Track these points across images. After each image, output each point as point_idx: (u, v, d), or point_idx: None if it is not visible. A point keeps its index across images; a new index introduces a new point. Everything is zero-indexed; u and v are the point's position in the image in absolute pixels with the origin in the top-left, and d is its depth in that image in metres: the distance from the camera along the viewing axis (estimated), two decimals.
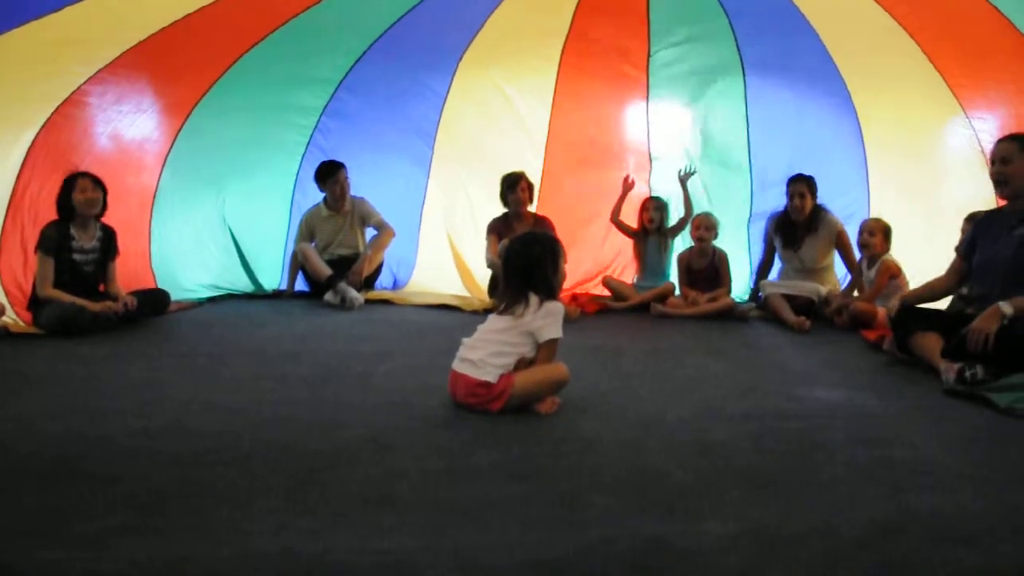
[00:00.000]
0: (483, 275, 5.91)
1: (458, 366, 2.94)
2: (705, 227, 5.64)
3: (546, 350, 2.93)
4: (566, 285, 5.40)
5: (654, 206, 5.88)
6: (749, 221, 6.09)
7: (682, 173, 5.85)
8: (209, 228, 5.87)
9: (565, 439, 2.64)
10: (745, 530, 1.91)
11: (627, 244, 6.07)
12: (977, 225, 3.98)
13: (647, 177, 6.26)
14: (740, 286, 5.97)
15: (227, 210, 5.94)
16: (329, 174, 5.96)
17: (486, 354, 2.88)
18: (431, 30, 5.69)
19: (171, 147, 5.49)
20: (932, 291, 4.11)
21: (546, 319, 2.89)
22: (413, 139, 6.14)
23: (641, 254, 5.94)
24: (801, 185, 5.43)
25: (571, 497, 2.11)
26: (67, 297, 4.42)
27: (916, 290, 4.22)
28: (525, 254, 2.98)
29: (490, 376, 2.83)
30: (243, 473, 2.24)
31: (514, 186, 5.66)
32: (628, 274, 6.11)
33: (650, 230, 5.87)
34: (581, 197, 6.21)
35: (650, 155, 6.25)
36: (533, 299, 2.92)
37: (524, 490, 2.16)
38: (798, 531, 1.91)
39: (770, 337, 4.74)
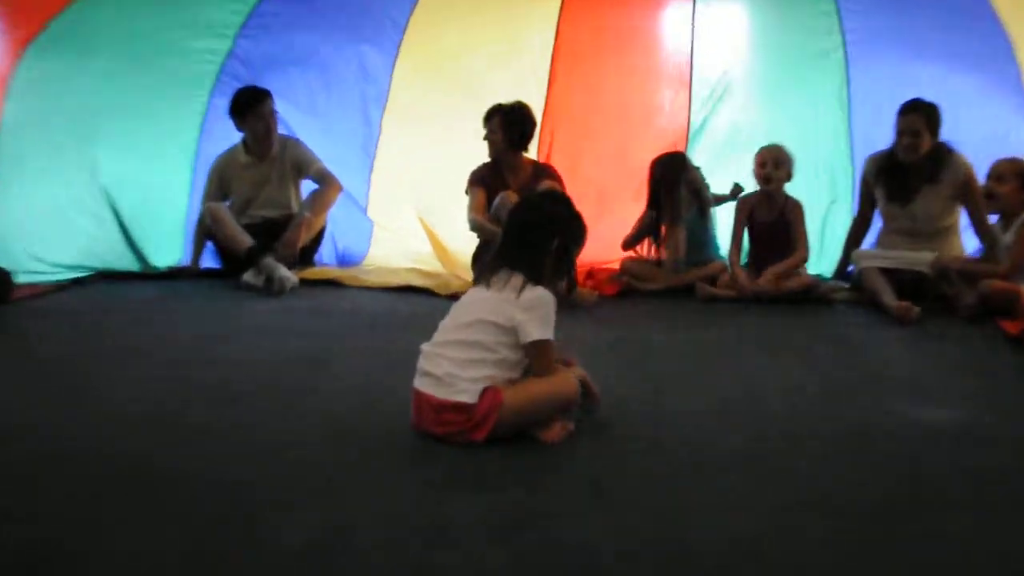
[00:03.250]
0: (465, 248, 5.92)
1: (420, 383, 2.91)
2: (773, 163, 5.55)
3: (538, 356, 2.91)
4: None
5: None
6: (853, 163, 6.02)
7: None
8: (74, 190, 5.78)
9: (574, 481, 2.59)
10: None
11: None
12: None
13: (686, 106, 6.29)
14: (824, 256, 5.98)
15: (102, 165, 5.84)
16: (249, 106, 5.89)
17: (455, 364, 2.85)
18: None
19: (11, 76, 5.41)
20: None
21: (530, 311, 2.87)
22: (367, 54, 6.25)
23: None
24: (915, 117, 5.25)
25: (578, 572, 2.05)
26: None
27: None
28: (547, 211, 3.07)
29: (466, 395, 2.81)
30: (123, 528, 2.18)
31: (487, 120, 5.70)
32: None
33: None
34: (598, 142, 6.33)
35: (692, 79, 6.27)
36: (517, 277, 2.92)
37: (512, 557, 2.10)
38: None
39: (863, 329, 4.72)
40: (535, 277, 2.93)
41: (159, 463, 2.65)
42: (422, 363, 2.93)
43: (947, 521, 2.34)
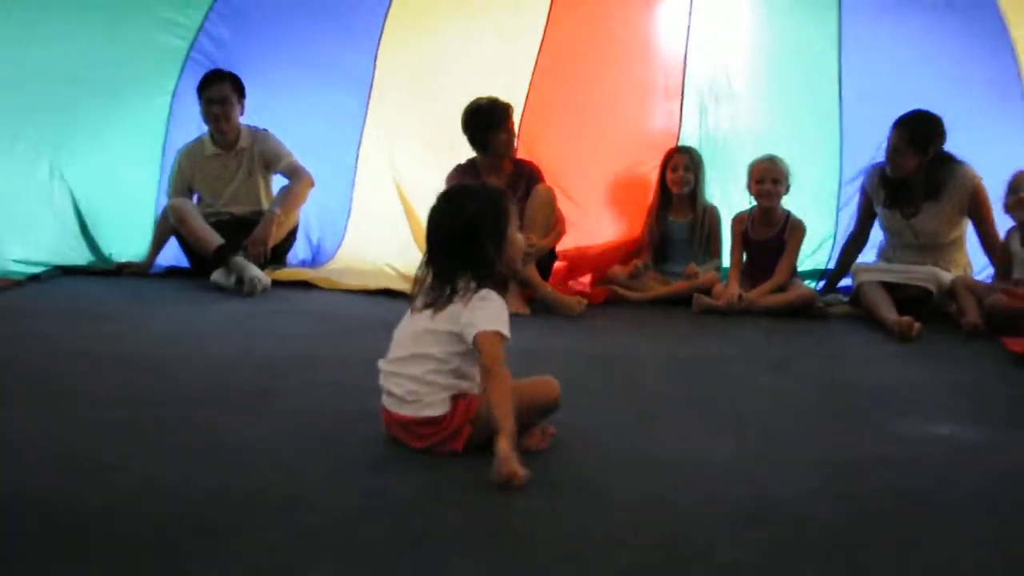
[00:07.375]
0: None
1: (386, 402, 2.92)
2: (772, 178, 5.48)
3: (482, 347, 2.76)
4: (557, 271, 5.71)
5: (685, 162, 5.82)
6: (839, 188, 6.03)
7: None
8: (31, 177, 5.75)
9: (559, 493, 2.60)
10: None
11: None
12: None
13: (677, 110, 6.26)
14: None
15: (61, 155, 5.82)
16: (202, 87, 5.87)
17: (415, 381, 2.83)
18: None
19: None
20: None
21: (475, 310, 2.80)
22: (348, 51, 6.20)
23: (662, 230, 5.96)
24: (897, 133, 5.24)
25: None
26: None
27: None
28: (453, 216, 2.91)
29: (434, 408, 2.82)
30: (65, 548, 2.14)
31: (499, 122, 5.50)
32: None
33: (678, 196, 5.86)
34: (583, 140, 6.30)
35: (684, 77, 6.24)
36: (463, 283, 2.85)
37: (500, 570, 2.11)
38: None
39: (861, 346, 4.74)
40: (484, 281, 2.88)
41: (135, 471, 2.64)
42: (382, 382, 2.92)
43: (947, 534, 2.39)
